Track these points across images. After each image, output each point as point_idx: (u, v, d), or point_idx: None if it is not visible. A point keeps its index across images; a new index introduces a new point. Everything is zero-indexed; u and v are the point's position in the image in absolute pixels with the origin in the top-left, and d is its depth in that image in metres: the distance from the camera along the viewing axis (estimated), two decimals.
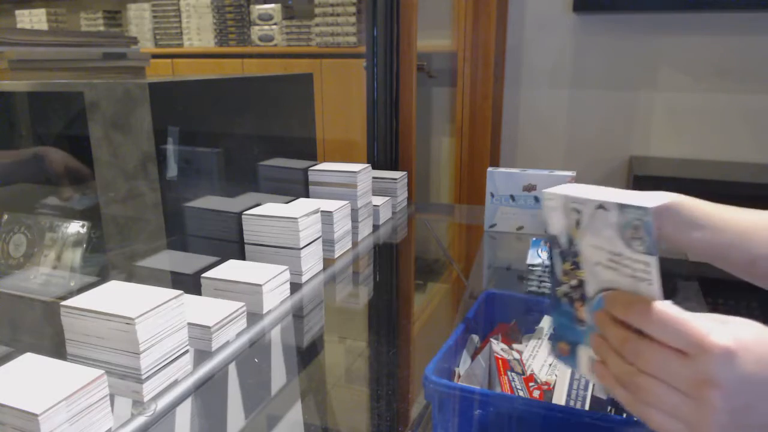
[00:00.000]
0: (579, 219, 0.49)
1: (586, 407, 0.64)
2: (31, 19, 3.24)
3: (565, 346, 0.54)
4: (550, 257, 0.54)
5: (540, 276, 0.97)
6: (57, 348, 0.74)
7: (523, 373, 0.71)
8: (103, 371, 0.61)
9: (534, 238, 1.04)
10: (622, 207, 0.44)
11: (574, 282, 0.51)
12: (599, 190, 0.49)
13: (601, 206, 0.46)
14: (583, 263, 0.50)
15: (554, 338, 0.55)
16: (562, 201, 0.50)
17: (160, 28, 3.13)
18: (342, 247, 1.22)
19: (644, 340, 0.43)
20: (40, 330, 0.95)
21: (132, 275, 0.95)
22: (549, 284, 0.56)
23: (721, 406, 0.39)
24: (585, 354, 0.51)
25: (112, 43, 1.45)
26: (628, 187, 2.64)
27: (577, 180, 1.31)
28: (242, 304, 0.87)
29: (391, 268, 1.29)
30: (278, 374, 0.82)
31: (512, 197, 1.34)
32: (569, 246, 0.51)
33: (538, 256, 0.99)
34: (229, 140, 1.09)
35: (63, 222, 1.02)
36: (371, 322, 1.06)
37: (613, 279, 0.46)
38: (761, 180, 2.13)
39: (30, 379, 0.60)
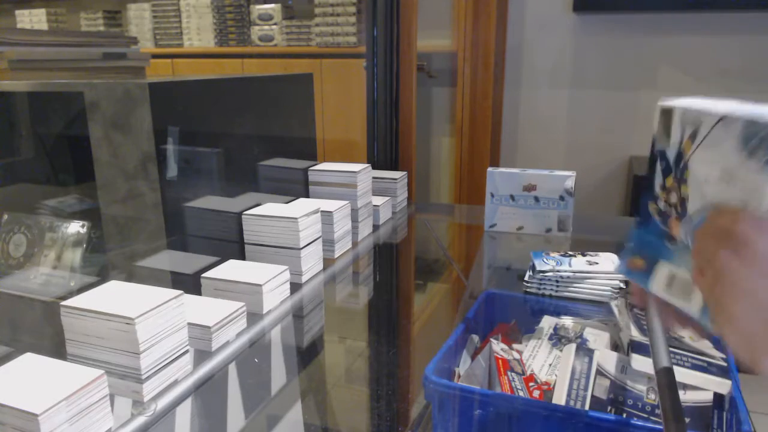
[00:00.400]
0: (695, 131, 0.47)
1: (586, 407, 0.65)
2: (31, 19, 3.24)
3: (640, 262, 0.52)
4: (652, 171, 0.52)
5: (541, 279, 0.97)
6: (57, 348, 0.74)
7: (523, 373, 0.71)
8: (103, 371, 0.61)
9: (533, 251, 1.04)
10: (750, 120, 0.42)
11: (673, 198, 0.49)
12: (720, 103, 0.47)
13: (724, 118, 0.44)
14: (689, 179, 0.48)
15: (628, 252, 0.53)
16: (679, 112, 0.49)
17: (160, 28, 3.13)
18: (342, 247, 1.22)
19: (744, 258, 0.42)
20: (40, 330, 0.95)
21: (132, 275, 0.95)
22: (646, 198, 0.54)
23: None
24: (664, 271, 0.50)
25: (112, 43, 1.45)
26: (628, 188, 2.61)
27: (576, 181, 1.31)
28: (242, 304, 0.87)
29: (391, 268, 1.29)
30: (278, 374, 0.82)
31: (512, 197, 1.34)
32: (677, 160, 0.49)
33: (545, 263, 0.98)
34: (229, 140, 1.09)
35: (63, 222, 1.02)
36: (371, 322, 1.06)
37: (722, 195, 0.44)
38: None
39: (30, 379, 0.60)
